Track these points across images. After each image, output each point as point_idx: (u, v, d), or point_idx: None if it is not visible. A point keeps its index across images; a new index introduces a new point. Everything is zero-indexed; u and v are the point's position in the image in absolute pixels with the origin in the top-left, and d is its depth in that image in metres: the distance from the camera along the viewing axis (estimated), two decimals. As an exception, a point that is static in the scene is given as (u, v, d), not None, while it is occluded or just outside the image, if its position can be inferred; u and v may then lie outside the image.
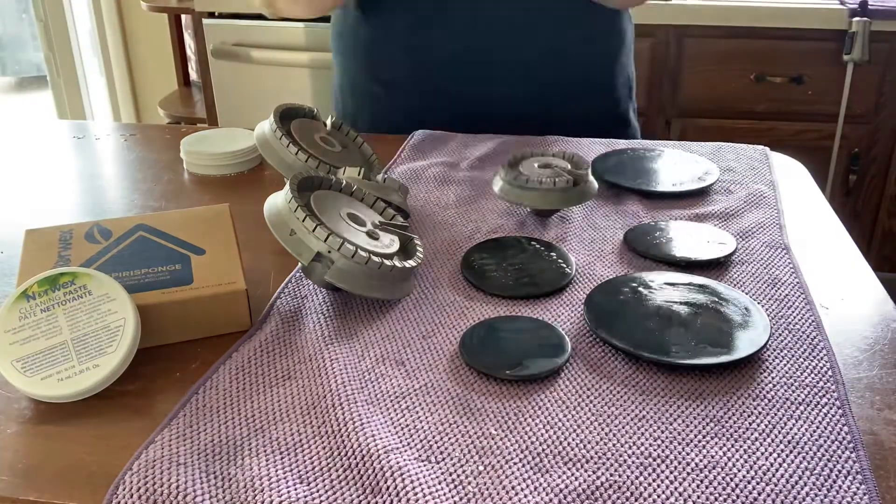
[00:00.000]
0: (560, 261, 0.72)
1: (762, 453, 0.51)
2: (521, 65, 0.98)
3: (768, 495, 0.48)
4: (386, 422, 0.53)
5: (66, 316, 0.58)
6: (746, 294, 0.67)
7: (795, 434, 0.52)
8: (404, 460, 0.50)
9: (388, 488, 0.48)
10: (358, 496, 0.48)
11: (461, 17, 0.93)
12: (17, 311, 0.58)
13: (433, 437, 0.52)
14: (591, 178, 0.81)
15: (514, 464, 0.50)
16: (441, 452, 0.51)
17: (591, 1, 0.78)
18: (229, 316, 0.63)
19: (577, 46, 0.99)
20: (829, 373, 0.58)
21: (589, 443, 0.52)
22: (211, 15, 2.04)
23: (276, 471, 0.50)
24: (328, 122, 0.88)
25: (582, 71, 1.02)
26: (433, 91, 1.02)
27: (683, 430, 0.53)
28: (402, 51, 1.01)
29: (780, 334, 0.63)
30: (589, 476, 0.49)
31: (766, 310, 0.65)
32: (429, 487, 0.48)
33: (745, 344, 0.59)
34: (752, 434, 0.53)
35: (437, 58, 0.99)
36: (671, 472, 0.49)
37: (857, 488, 0.48)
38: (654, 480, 0.49)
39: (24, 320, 0.58)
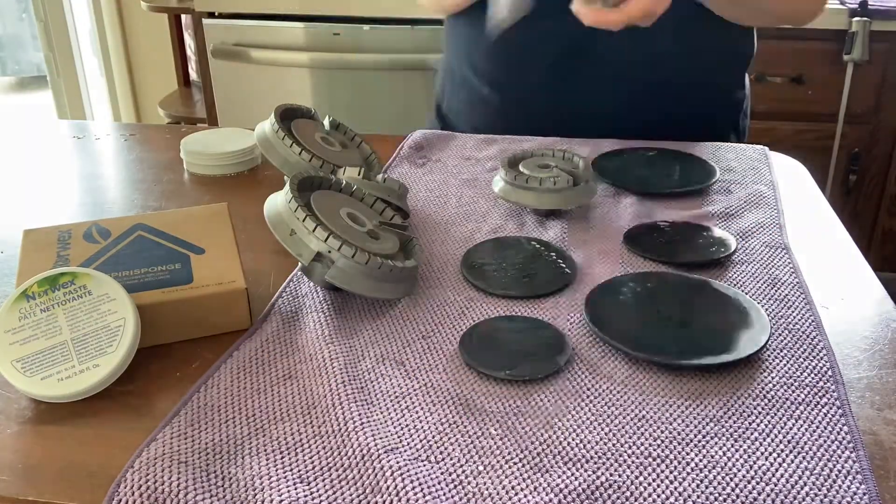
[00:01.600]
0: (560, 261, 0.72)
1: (762, 453, 0.51)
2: (634, 80, 0.96)
3: (768, 495, 0.48)
4: (386, 421, 0.53)
5: (65, 316, 0.58)
6: (746, 294, 0.67)
7: (795, 434, 0.52)
8: (404, 460, 0.50)
9: (387, 488, 0.48)
10: (358, 496, 0.48)
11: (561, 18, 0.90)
12: (17, 311, 0.58)
13: (433, 436, 0.52)
14: (591, 178, 0.81)
15: (514, 464, 0.50)
16: (441, 452, 0.51)
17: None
18: (229, 315, 0.63)
19: (696, 67, 0.98)
20: (829, 373, 0.58)
21: (589, 443, 0.52)
22: (211, 15, 2.03)
23: (277, 470, 0.50)
24: (326, 121, 0.88)
25: (696, 91, 1.00)
26: (527, 94, 1.01)
27: (683, 430, 0.53)
28: (496, 47, 0.99)
29: (780, 334, 0.63)
30: (589, 476, 0.49)
31: (766, 310, 0.65)
32: (429, 487, 0.48)
33: (744, 344, 0.59)
34: (751, 434, 0.53)
35: (531, 61, 0.98)
36: (671, 472, 0.49)
37: (857, 488, 0.48)
38: (653, 480, 0.49)
39: (24, 320, 0.58)
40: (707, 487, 0.48)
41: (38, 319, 0.58)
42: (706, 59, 0.99)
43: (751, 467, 0.50)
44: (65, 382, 0.55)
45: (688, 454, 0.51)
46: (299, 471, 0.50)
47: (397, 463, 0.49)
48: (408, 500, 0.47)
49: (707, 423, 0.54)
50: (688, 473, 0.49)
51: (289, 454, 0.51)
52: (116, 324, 0.58)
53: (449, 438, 0.52)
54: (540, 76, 0.99)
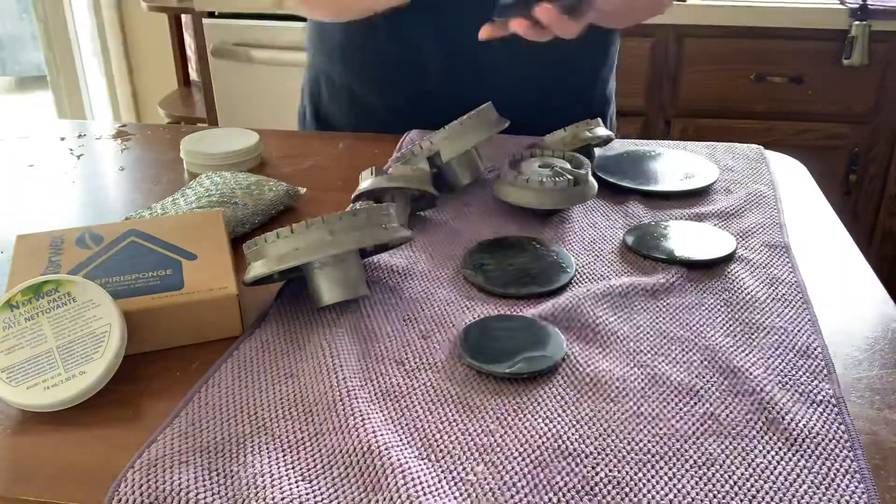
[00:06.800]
0: (560, 261, 0.72)
1: (760, 451, 0.51)
2: (505, 74, 0.98)
3: (766, 493, 0.48)
4: (387, 420, 0.54)
5: (50, 324, 0.58)
6: (744, 295, 0.67)
7: (794, 432, 0.52)
8: (405, 458, 0.50)
9: (388, 486, 0.48)
10: (359, 494, 0.48)
11: (453, 20, 0.93)
12: (1, 321, 0.57)
13: (434, 434, 0.53)
14: (591, 178, 0.81)
15: (514, 460, 0.50)
16: (441, 450, 0.51)
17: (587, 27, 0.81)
18: (220, 321, 0.63)
19: (563, 61, 1.01)
20: (825, 371, 0.58)
21: (587, 439, 0.52)
22: (211, 15, 2.04)
23: (278, 468, 0.50)
24: None
25: (564, 84, 1.03)
26: (420, 92, 1.01)
27: (681, 428, 0.53)
28: (389, 52, 1.00)
29: (777, 334, 0.63)
30: (588, 472, 0.49)
31: (765, 309, 0.65)
32: (429, 485, 0.48)
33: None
34: (749, 432, 0.53)
35: (425, 59, 0.99)
36: (670, 469, 0.50)
37: (856, 487, 0.48)
38: (652, 477, 0.49)
39: (8, 329, 0.57)
40: (706, 485, 0.48)
41: (22, 328, 0.57)
42: (580, 58, 1.03)
43: (749, 465, 0.50)
44: (51, 391, 0.55)
45: (686, 451, 0.51)
46: (301, 469, 0.50)
47: (398, 461, 0.49)
48: (409, 497, 0.47)
49: (705, 421, 0.54)
50: (686, 471, 0.50)
51: (291, 452, 0.51)
52: (102, 330, 0.58)
53: (449, 436, 0.52)
54: (422, 82, 1.00)
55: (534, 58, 0.97)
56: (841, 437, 0.52)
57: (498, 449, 0.51)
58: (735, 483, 0.49)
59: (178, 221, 0.72)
